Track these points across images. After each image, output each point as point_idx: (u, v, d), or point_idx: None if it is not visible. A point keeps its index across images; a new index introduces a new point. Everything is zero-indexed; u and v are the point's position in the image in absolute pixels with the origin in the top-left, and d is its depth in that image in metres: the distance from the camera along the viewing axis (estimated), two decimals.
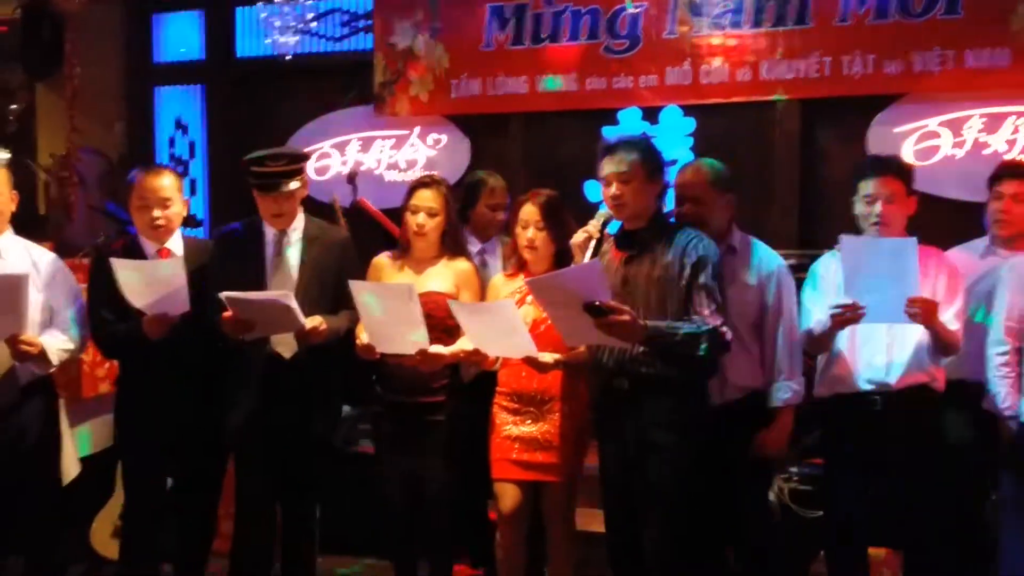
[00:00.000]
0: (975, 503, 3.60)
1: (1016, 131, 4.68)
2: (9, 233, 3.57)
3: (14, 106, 6.90)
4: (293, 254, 3.59)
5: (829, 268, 3.40)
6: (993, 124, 4.72)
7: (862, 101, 4.91)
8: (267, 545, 3.69)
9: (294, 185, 3.53)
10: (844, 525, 3.37)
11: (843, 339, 3.33)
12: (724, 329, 3.10)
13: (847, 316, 3.17)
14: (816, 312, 3.36)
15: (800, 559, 3.66)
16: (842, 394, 3.36)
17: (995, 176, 3.73)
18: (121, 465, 3.81)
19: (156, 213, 3.55)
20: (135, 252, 3.57)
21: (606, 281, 3.03)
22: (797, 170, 5.09)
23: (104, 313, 3.52)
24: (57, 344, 3.47)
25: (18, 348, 3.32)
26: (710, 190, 3.41)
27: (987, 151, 4.70)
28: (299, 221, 3.64)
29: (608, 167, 3.21)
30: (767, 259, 3.45)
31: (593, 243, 3.31)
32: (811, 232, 4.96)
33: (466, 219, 4.21)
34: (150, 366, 3.54)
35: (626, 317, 2.95)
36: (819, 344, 3.37)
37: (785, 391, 3.37)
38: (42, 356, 3.40)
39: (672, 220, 3.36)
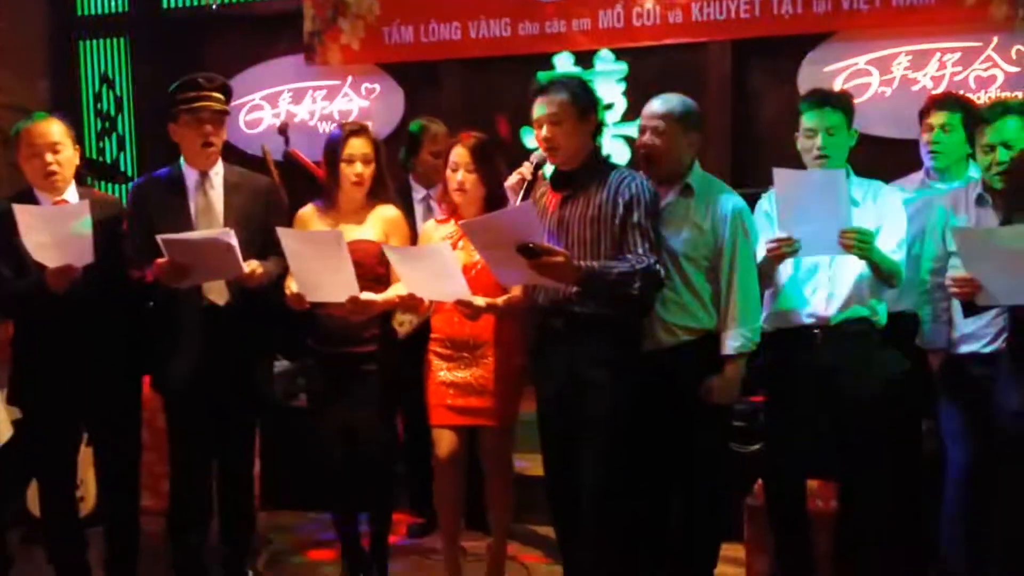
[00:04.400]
0: (911, 434, 3.66)
1: (942, 67, 4.76)
2: None
3: None
4: (216, 199, 3.51)
5: (772, 203, 3.35)
6: (920, 61, 4.79)
7: (792, 41, 4.93)
8: (204, 502, 3.65)
9: (223, 105, 3.48)
10: (784, 457, 3.41)
11: (785, 274, 3.34)
12: (658, 268, 3.10)
13: (782, 250, 3.17)
14: (760, 248, 3.33)
15: (734, 493, 3.71)
16: (784, 329, 3.37)
17: (924, 109, 3.75)
18: (25, 426, 3.66)
19: (48, 158, 3.41)
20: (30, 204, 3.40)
21: (539, 222, 3.02)
22: (729, 111, 5.11)
23: (1, 268, 3.39)
24: None
25: None
26: (675, 125, 3.31)
27: (915, 87, 4.76)
28: (219, 167, 3.56)
29: (538, 109, 3.18)
30: (724, 201, 3.31)
31: (526, 185, 3.30)
32: (744, 172, 4.99)
33: (410, 167, 4.18)
34: (51, 322, 3.40)
35: (559, 258, 2.95)
36: (761, 280, 3.35)
37: (736, 339, 3.27)
38: None
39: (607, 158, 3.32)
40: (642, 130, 3.39)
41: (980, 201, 3.35)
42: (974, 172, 3.59)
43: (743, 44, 5.04)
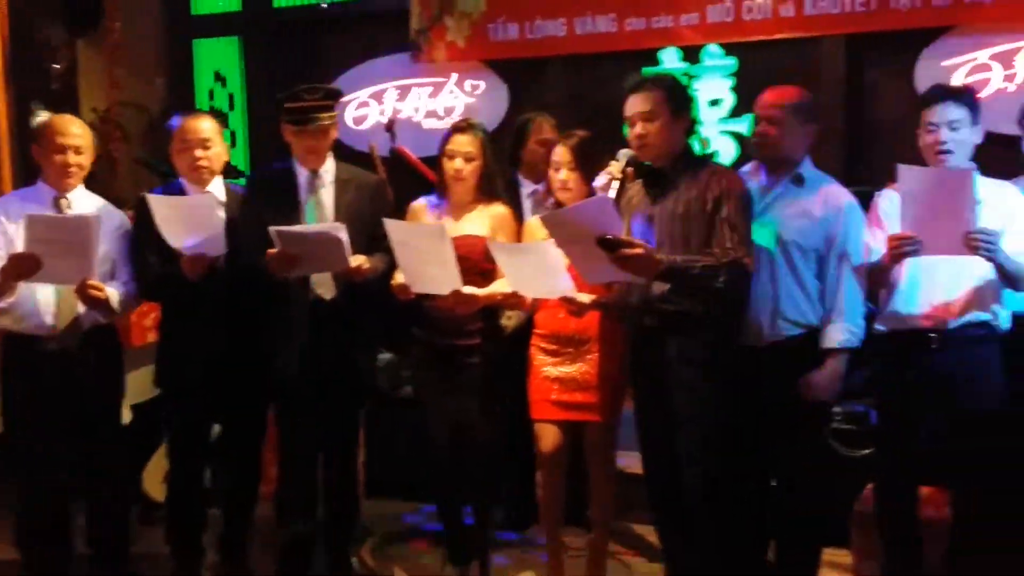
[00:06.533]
0: None
1: None
2: (81, 187, 3.63)
3: (56, 65, 6.96)
4: (327, 196, 3.59)
5: (892, 201, 3.28)
6: None
7: (909, 35, 4.78)
8: (311, 489, 3.73)
9: (329, 119, 3.54)
10: (896, 462, 3.33)
11: (904, 274, 3.25)
12: (746, 262, 3.04)
13: (904, 249, 3.09)
14: (876, 246, 3.26)
15: (843, 498, 3.63)
16: (899, 331, 3.28)
17: None
18: (165, 409, 3.84)
19: (198, 153, 3.57)
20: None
21: (618, 216, 3.00)
22: (842, 108, 4.98)
23: (149, 256, 3.54)
24: (119, 293, 3.52)
25: (87, 292, 3.37)
26: (790, 116, 3.28)
27: None
28: (330, 164, 3.64)
29: (632, 107, 3.18)
30: (836, 195, 3.28)
31: (615, 184, 3.26)
32: (858, 170, 4.85)
33: (517, 160, 4.20)
34: (190, 310, 3.56)
35: (639, 250, 2.92)
36: (878, 279, 3.28)
37: (841, 332, 3.20)
38: (107, 303, 3.45)
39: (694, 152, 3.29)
40: (757, 120, 3.34)
41: None
42: None
43: (858, 39, 4.90)
